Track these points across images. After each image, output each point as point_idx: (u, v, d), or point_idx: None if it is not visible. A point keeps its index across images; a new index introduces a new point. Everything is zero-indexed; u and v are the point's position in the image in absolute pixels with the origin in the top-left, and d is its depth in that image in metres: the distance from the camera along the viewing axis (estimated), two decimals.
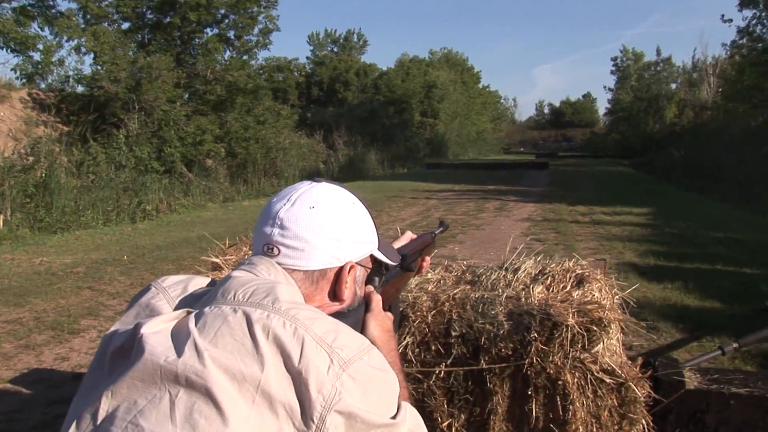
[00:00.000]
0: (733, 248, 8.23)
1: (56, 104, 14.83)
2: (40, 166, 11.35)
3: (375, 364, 1.01)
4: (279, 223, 1.14)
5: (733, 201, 14.28)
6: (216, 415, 0.88)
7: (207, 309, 0.99)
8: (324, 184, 1.23)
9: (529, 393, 1.91)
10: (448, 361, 1.96)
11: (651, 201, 14.43)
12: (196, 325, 0.96)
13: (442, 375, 1.98)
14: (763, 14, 20.62)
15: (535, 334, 1.85)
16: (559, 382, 1.87)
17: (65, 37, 14.93)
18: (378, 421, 0.96)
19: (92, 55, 15.17)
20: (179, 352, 0.92)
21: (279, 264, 1.13)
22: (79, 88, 15.80)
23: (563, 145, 70.45)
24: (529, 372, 1.89)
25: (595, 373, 1.85)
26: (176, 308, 1.07)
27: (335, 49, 51.70)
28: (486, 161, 39.32)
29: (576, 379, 1.86)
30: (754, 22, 20.88)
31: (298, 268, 1.14)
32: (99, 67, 14.92)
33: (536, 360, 1.86)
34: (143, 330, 0.96)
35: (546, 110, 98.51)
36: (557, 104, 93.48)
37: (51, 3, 15.48)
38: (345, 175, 24.00)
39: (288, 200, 1.16)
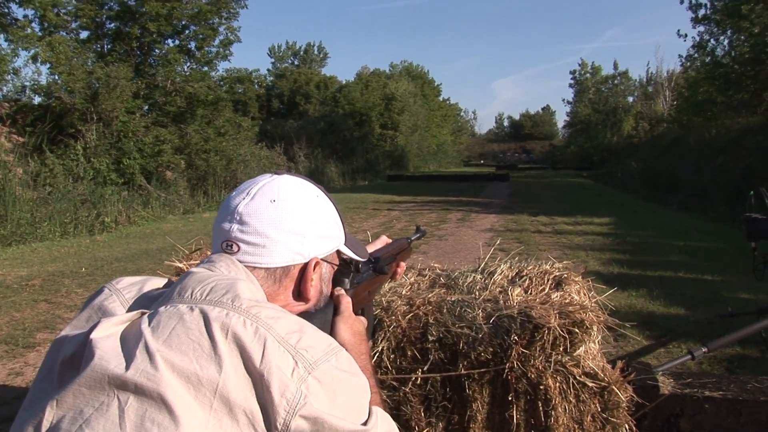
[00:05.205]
0: (694, 256, 8.37)
1: (11, 114, 14.43)
2: None
3: (343, 367, 0.95)
4: (238, 218, 1.08)
5: (690, 210, 14.56)
6: (170, 423, 0.81)
7: (162, 308, 0.93)
8: (286, 177, 1.17)
9: (510, 399, 1.85)
10: (425, 367, 1.90)
11: (611, 211, 14.62)
12: (149, 325, 0.89)
13: (418, 381, 1.91)
14: (716, 30, 21.08)
15: (516, 338, 1.80)
16: (541, 387, 1.82)
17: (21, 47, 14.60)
18: (347, 427, 0.91)
19: (49, 65, 14.86)
20: (129, 354, 0.85)
21: (239, 262, 1.07)
22: (36, 99, 15.47)
23: (523, 157, 71.37)
24: (509, 377, 1.83)
25: (578, 377, 1.81)
26: (130, 310, 1.00)
27: (296, 62, 51.81)
28: (447, 173, 39.60)
29: (558, 384, 1.82)
30: (707, 36, 21.34)
31: (259, 265, 1.08)
32: (55, 78, 14.62)
33: (517, 364, 1.81)
34: (93, 335, 0.89)
35: (506, 123, 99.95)
36: (517, 117, 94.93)
37: (5, 11, 15.14)
38: None
39: (247, 194, 1.11)
